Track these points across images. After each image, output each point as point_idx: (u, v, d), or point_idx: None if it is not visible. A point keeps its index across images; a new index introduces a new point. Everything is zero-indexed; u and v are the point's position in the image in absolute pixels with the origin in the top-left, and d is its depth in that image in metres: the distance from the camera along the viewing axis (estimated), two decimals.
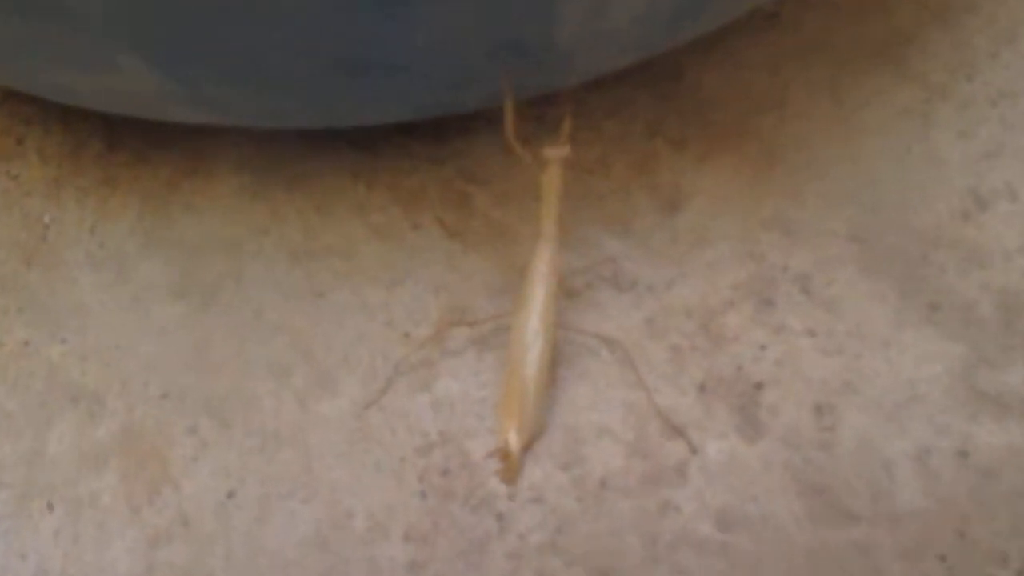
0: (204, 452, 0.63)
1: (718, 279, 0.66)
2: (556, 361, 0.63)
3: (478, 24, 0.48)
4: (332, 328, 0.66)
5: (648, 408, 0.62)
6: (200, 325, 0.67)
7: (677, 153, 0.71)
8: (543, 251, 0.62)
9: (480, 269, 0.68)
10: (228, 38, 0.47)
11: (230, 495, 0.61)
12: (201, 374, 0.65)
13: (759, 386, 0.62)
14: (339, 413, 0.63)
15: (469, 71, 0.54)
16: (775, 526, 0.58)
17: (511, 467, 0.61)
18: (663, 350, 0.64)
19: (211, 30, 0.46)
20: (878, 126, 0.71)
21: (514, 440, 0.61)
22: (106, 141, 0.76)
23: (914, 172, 0.68)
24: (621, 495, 0.59)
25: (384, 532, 0.59)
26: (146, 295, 0.68)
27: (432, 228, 0.70)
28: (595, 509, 0.59)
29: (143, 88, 0.54)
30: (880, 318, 0.63)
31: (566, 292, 0.66)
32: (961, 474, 0.58)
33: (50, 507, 0.62)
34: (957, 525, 0.56)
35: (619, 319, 0.65)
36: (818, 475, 0.58)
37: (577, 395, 0.63)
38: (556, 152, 0.60)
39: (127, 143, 0.76)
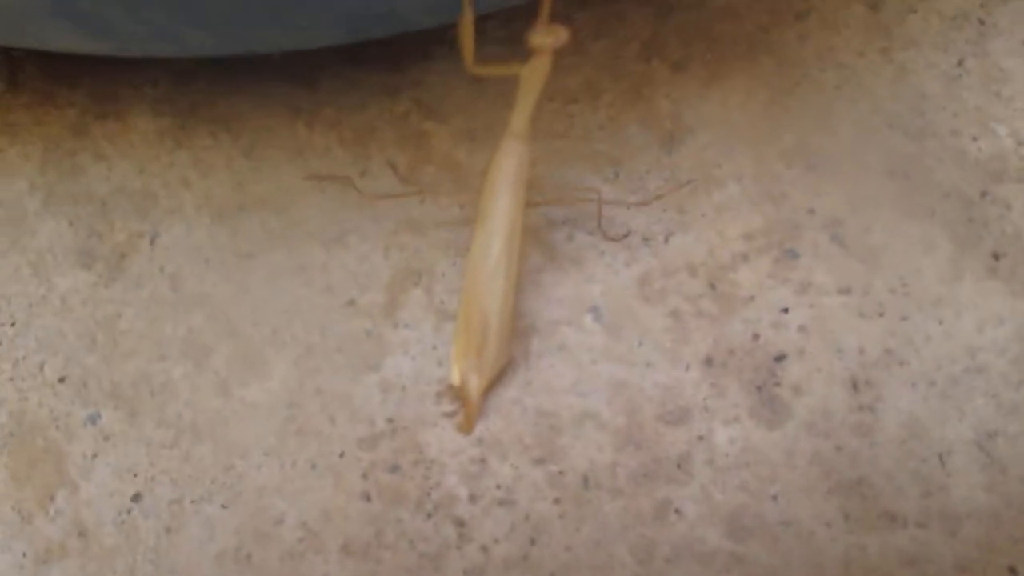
0: (107, 448, 0.52)
1: (728, 227, 0.54)
2: (530, 332, 0.53)
3: None
4: (261, 297, 0.55)
5: (642, 387, 0.51)
6: (107, 297, 0.57)
7: (678, 77, 0.59)
8: (510, 149, 0.51)
9: (440, 222, 0.57)
10: None
11: (136, 499, 0.51)
12: (106, 355, 0.55)
13: (780, 358, 0.51)
14: (267, 400, 0.53)
15: None
16: (800, 533, 0.47)
17: (470, 414, 0.51)
18: (661, 316, 0.52)
19: None
20: (925, 36, 0.59)
21: (474, 382, 0.51)
22: (6, 80, 0.66)
23: (969, 91, 0.57)
24: (608, 496, 0.49)
25: (318, 544, 0.49)
26: (47, 263, 0.58)
27: (382, 174, 0.59)
28: (576, 513, 0.49)
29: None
30: (930, 271, 0.52)
31: (543, 248, 0.55)
32: None
33: None
34: None
35: (607, 279, 0.54)
36: (854, 468, 0.48)
37: (555, 373, 0.52)
38: (546, 39, 0.48)
39: (31, 82, 0.65)
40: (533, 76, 0.49)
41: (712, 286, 0.53)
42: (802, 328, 0.51)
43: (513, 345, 0.52)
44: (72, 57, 0.59)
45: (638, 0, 0.62)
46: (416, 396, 0.52)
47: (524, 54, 0.50)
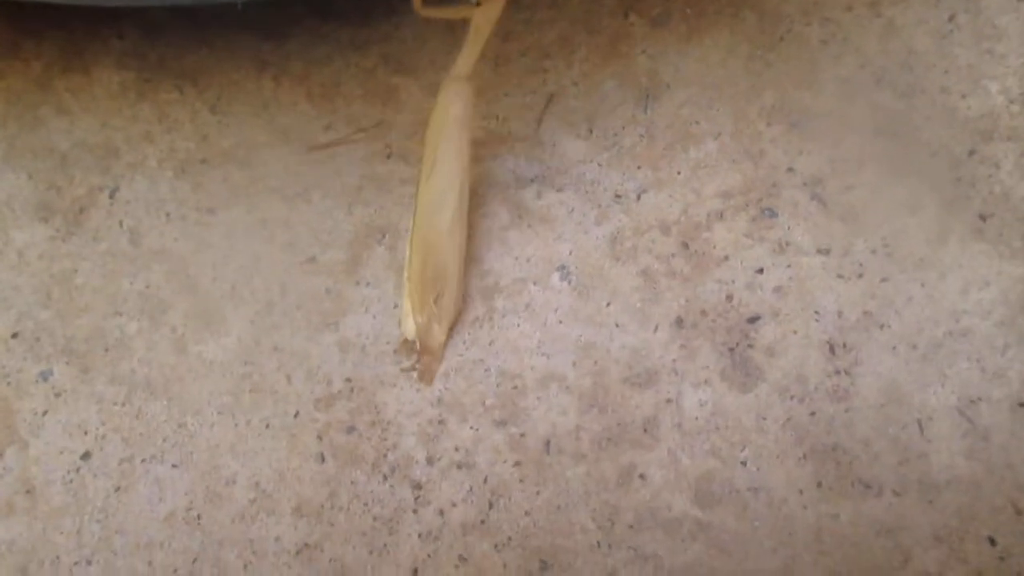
0: (58, 404, 0.51)
1: (704, 185, 0.52)
2: (494, 290, 0.51)
3: None
4: (221, 253, 0.54)
5: (609, 349, 0.49)
6: (64, 252, 0.55)
7: (655, 31, 0.57)
8: (455, 92, 0.49)
9: (406, 179, 0.55)
10: None
11: (85, 457, 0.50)
12: (61, 310, 0.53)
13: (754, 320, 0.49)
14: (224, 356, 0.51)
15: None
16: (771, 500, 0.45)
17: (431, 364, 0.50)
18: (631, 275, 0.51)
19: None
20: None
21: (435, 330, 0.49)
22: None
23: (960, 47, 0.55)
24: (571, 460, 0.47)
25: (270, 505, 0.48)
26: (4, 216, 0.57)
27: (348, 129, 0.57)
28: (537, 477, 0.47)
29: None
30: (914, 231, 0.50)
31: (511, 206, 0.53)
32: (1018, 432, 0.45)
33: None
34: (1011, 497, 0.44)
35: (576, 238, 0.52)
36: (829, 433, 0.46)
37: (519, 333, 0.50)
38: None
39: None
40: (483, 21, 0.47)
41: (685, 245, 0.51)
42: (778, 289, 0.49)
43: (475, 301, 0.51)
44: (41, 8, 0.58)
45: None
46: (375, 355, 0.50)
47: None
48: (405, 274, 0.50)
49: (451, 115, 0.49)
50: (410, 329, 0.49)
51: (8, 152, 0.58)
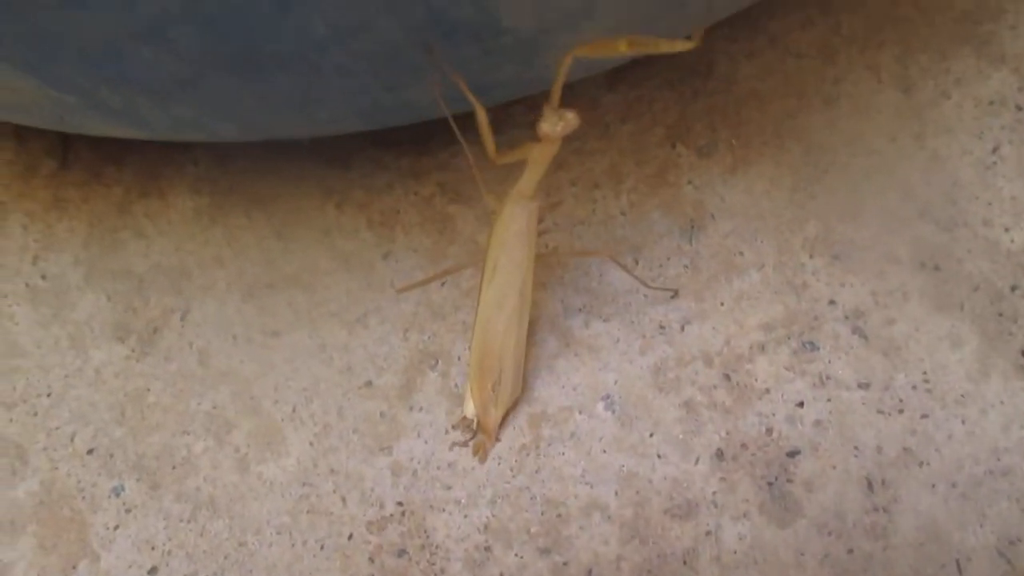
0: (128, 519, 0.55)
1: (747, 317, 0.55)
2: (542, 418, 0.54)
3: (391, 1, 0.40)
4: (284, 375, 0.58)
5: (651, 479, 0.52)
6: (138, 371, 0.60)
7: (702, 162, 0.61)
8: (520, 207, 0.52)
9: (460, 307, 0.59)
10: (77, 26, 0.40)
11: (152, 572, 0.54)
12: (133, 428, 0.58)
13: (794, 454, 0.51)
14: (283, 477, 0.55)
15: (402, 66, 0.45)
16: None
17: (486, 442, 0.55)
18: (674, 406, 0.53)
19: (59, 21, 0.40)
20: (959, 122, 0.59)
21: (492, 413, 0.54)
22: (59, 158, 0.70)
23: (1004, 179, 0.57)
24: None
25: None
26: (84, 335, 0.62)
27: (406, 257, 0.61)
28: None
29: (29, 95, 0.48)
30: (955, 367, 0.52)
31: (559, 334, 0.56)
32: None
33: None
34: None
35: (621, 367, 0.55)
36: (866, 571, 0.48)
37: (564, 461, 0.53)
38: (555, 127, 0.47)
39: (81, 159, 0.70)
40: (541, 158, 0.50)
41: (727, 377, 0.54)
42: (818, 423, 0.51)
43: (523, 428, 0.54)
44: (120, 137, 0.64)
45: (665, 84, 0.64)
46: (426, 480, 0.54)
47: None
48: (469, 361, 0.55)
49: (512, 230, 0.53)
50: (470, 409, 0.54)
51: (90, 273, 0.64)
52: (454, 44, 0.44)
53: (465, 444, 0.54)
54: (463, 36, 0.44)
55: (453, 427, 0.55)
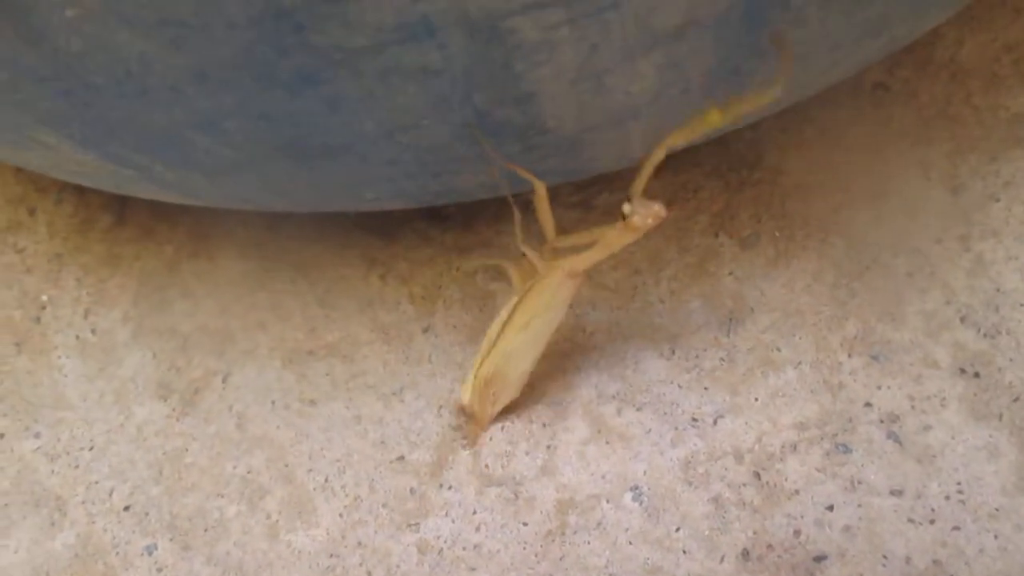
0: None
1: (780, 414, 0.56)
2: (568, 505, 0.55)
3: (439, 104, 0.42)
4: (318, 445, 0.60)
5: (675, 575, 0.53)
6: (178, 431, 0.63)
7: (745, 253, 0.62)
8: (570, 283, 0.53)
9: None
10: (137, 114, 0.43)
11: None
12: (170, 487, 0.61)
13: (821, 559, 0.52)
14: (312, 547, 0.57)
15: (446, 157, 0.48)
16: None
17: (476, 431, 0.59)
18: (702, 502, 0.54)
19: (119, 109, 0.43)
20: (1007, 226, 0.59)
21: (488, 409, 0.59)
22: (116, 214, 0.74)
23: None
24: None
25: None
26: (129, 391, 0.65)
27: (445, 332, 0.63)
28: None
29: (90, 167, 0.51)
30: (991, 479, 0.52)
31: (591, 420, 0.58)
32: None
33: None
34: None
35: (652, 458, 0.56)
36: None
37: (589, 551, 0.54)
38: (645, 218, 0.47)
39: (136, 217, 0.73)
40: (615, 244, 0.50)
41: (757, 475, 0.55)
42: (847, 528, 0.52)
43: (550, 514, 0.56)
44: None
45: (712, 172, 0.66)
46: (452, 560, 0.55)
47: (598, 218, 0.54)
48: (476, 362, 0.57)
49: (559, 298, 0.54)
50: (466, 398, 0.58)
51: (137, 331, 0.67)
52: (499, 142, 0.47)
53: (459, 428, 0.59)
54: (507, 135, 0.46)
55: (450, 411, 0.61)
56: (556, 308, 0.55)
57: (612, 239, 0.50)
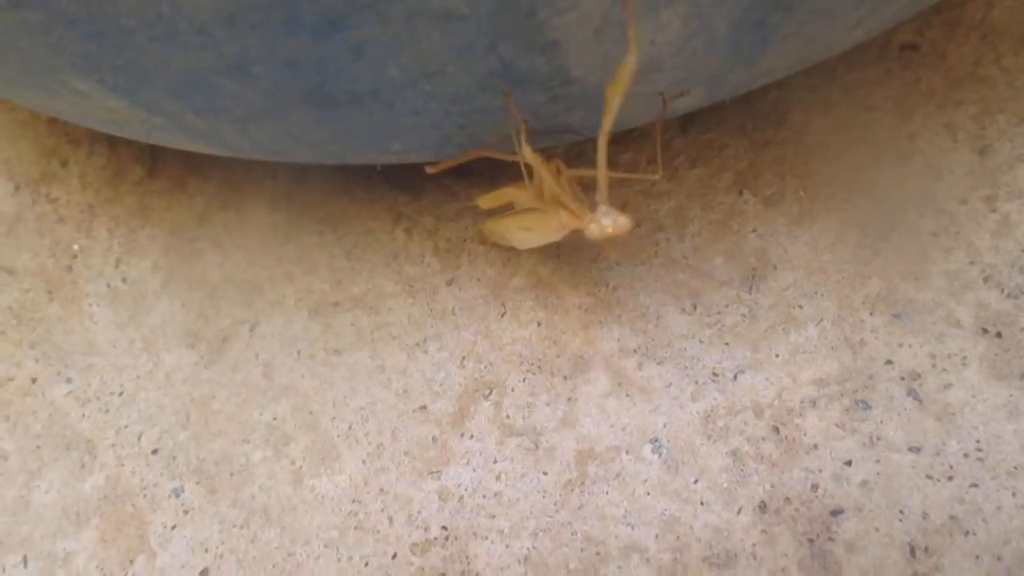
0: (185, 521, 0.59)
1: (801, 370, 0.56)
2: (588, 456, 0.56)
3: (464, 50, 0.42)
4: (342, 393, 0.61)
5: (692, 526, 0.53)
6: (205, 378, 0.64)
7: (768, 211, 0.62)
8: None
9: (517, 338, 0.61)
10: (167, 59, 0.43)
11: (203, 574, 0.57)
12: (197, 433, 0.62)
13: (837, 512, 0.52)
14: (335, 492, 0.58)
15: (471, 108, 0.48)
16: None
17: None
18: (721, 455, 0.55)
19: (150, 53, 0.43)
20: None
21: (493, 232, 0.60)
22: (147, 166, 0.75)
23: None
24: None
25: None
26: (157, 339, 0.66)
27: (468, 285, 0.64)
28: None
29: (121, 114, 0.51)
30: (1010, 438, 0.52)
31: (613, 374, 0.58)
32: None
33: (24, 562, 0.60)
34: None
35: (672, 412, 0.56)
36: None
37: (608, 500, 0.54)
38: (604, 228, 0.50)
39: (167, 169, 0.74)
40: (584, 225, 0.52)
41: (776, 430, 0.55)
42: (864, 483, 0.52)
43: (570, 465, 0.56)
44: None
45: (737, 130, 0.65)
46: (472, 507, 0.56)
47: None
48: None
49: (554, 233, 0.55)
50: (485, 203, 0.58)
51: (167, 280, 0.68)
52: (523, 92, 0.47)
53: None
54: (532, 85, 0.46)
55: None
56: (549, 235, 0.55)
57: (583, 220, 0.51)
